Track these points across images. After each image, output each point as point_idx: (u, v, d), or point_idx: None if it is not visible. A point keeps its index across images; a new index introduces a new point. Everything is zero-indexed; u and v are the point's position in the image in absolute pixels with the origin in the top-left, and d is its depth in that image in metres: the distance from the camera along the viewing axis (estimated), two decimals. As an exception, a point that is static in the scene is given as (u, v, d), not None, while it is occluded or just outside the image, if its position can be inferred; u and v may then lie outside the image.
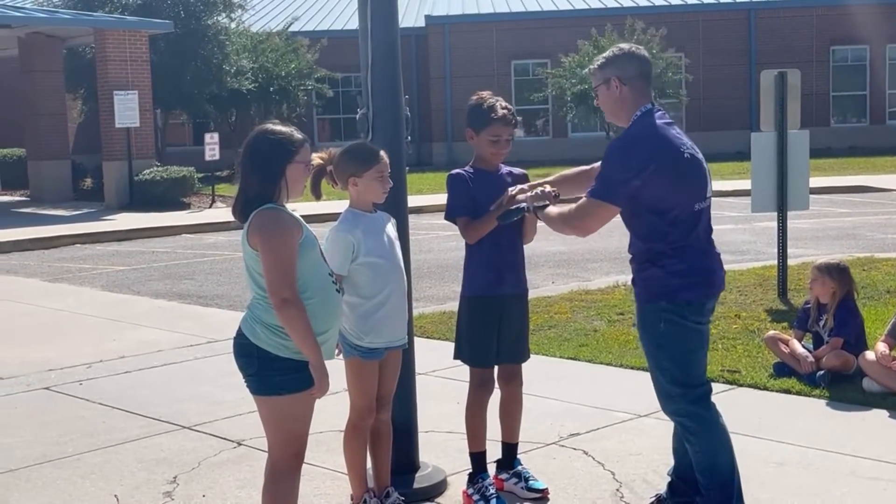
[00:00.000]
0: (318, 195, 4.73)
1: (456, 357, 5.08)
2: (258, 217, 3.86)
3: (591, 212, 4.36)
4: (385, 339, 4.64)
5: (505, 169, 5.03)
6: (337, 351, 4.31)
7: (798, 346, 7.04)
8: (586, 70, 5.12)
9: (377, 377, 4.67)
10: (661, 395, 4.46)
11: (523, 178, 5.02)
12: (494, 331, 4.92)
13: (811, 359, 6.89)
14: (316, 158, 4.59)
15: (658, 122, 4.36)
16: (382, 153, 4.67)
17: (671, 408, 4.44)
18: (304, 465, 5.45)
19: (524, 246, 5.06)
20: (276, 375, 3.88)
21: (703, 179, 4.40)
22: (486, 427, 5.04)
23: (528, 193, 4.74)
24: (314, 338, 3.84)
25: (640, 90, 4.43)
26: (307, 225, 3.99)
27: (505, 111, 4.90)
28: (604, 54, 4.55)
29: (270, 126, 4.02)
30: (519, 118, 5.08)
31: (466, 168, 5.02)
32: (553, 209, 4.53)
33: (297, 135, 4.00)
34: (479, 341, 4.93)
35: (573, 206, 4.41)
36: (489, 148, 4.91)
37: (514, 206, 4.72)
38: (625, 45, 4.57)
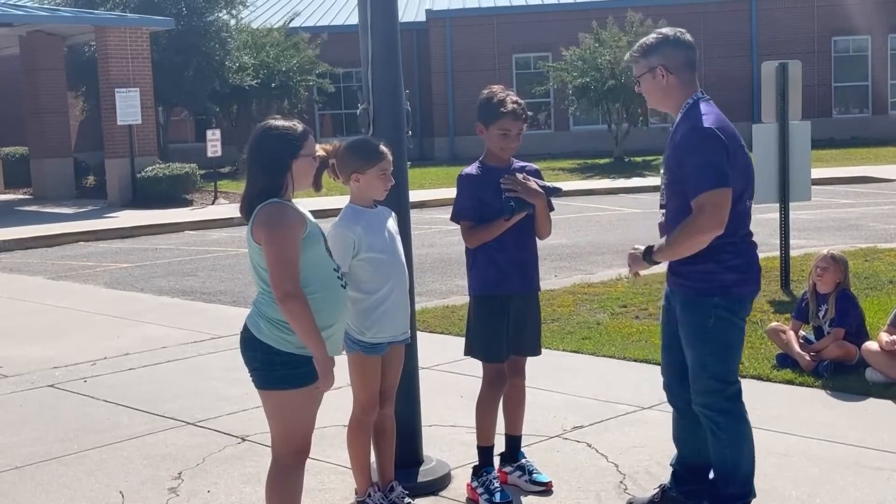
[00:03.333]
0: (318, 187, 4.72)
1: (467, 353, 5.09)
2: (262, 212, 3.88)
3: (718, 202, 4.09)
4: (387, 334, 4.65)
5: (517, 164, 5.00)
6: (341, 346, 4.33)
7: (796, 346, 7.03)
8: (627, 56, 5.03)
9: (380, 372, 4.68)
10: (699, 389, 4.35)
11: (536, 174, 5.01)
12: (504, 326, 4.93)
13: (808, 357, 6.90)
14: (320, 150, 4.60)
15: (717, 111, 4.28)
16: (387, 150, 4.66)
17: (706, 401, 4.34)
18: (308, 460, 5.48)
19: (539, 242, 5.01)
20: (278, 370, 3.90)
21: (753, 175, 4.40)
22: (496, 422, 5.05)
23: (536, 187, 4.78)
24: (318, 331, 3.85)
25: (686, 78, 4.34)
26: (313, 220, 4.01)
27: (515, 105, 4.89)
28: (646, 40, 4.40)
29: (273, 122, 4.03)
30: (530, 113, 5.05)
31: (476, 165, 5.00)
32: (667, 240, 4.25)
33: (300, 128, 4.01)
34: (490, 337, 4.93)
35: (689, 219, 4.14)
36: (498, 142, 4.90)
37: (515, 199, 4.74)
38: (668, 31, 4.40)
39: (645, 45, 4.38)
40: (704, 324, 4.28)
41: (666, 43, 4.33)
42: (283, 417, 3.99)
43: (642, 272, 4.54)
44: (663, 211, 4.44)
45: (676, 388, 4.58)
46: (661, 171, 4.52)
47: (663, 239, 4.30)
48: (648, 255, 4.33)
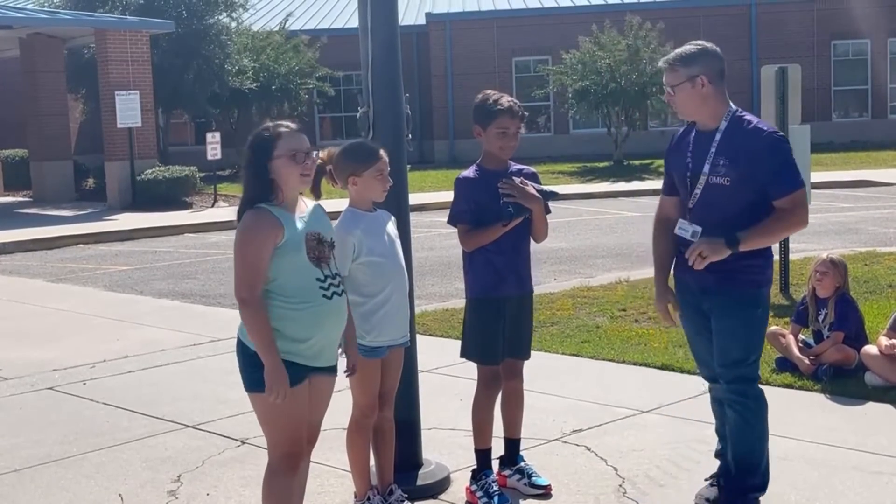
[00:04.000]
0: (317, 194, 4.73)
1: (463, 355, 5.10)
2: (242, 218, 3.91)
3: (803, 201, 4.47)
4: (387, 338, 4.66)
5: (515, 167, 4.99)
6: (340, 350, 4.33)
7: (795, 350, 7.04)
8: (660, 63, 5.11)
9: (379, 375, 4.68)
10: (739, 376, 4.54)
11: (533, 178, 5.01)
12: (500, 329, 4.93)
13: (808, 361, 6.90)
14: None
15: None
16: (382, 151, 4.67)
17: (747, 389, 4.54)
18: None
19: (535, 245, 5.04)
20: (257, 372, 3.91)
21: None
22: (493, 424, 5.05)
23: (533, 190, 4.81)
24: (270, 339, 3.83)
25: (721, 88, 4.52)
26: (302, 228, 3.95)
27: (511, 102, 4.89)
28: (683, 50, 4.54)
29: (260, 127, 4.05)
30: (526, 113, 5.06)
31: (473, 168, 4.99)
32: (758, 231, 4.43)
33: (274, 129, 3.96)
34: (485, 339, 4.94)
35: (784, 215, 4.43)
36: (497, 142, 4.88)
37: (513, 205, 4.76)
38: (704, 43, 4.57)
39: (685, 55, 4.50)
40: (755, 314, 4.54)
41: (706, 53, 4.50)
42: (266, 420, 4.02)
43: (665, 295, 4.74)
44: (687, 221, 4.58)
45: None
46: (687, 173, 4.56)
47: (747, 230, 4.40)
48: (734, 243, 4.38)
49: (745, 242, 4.39)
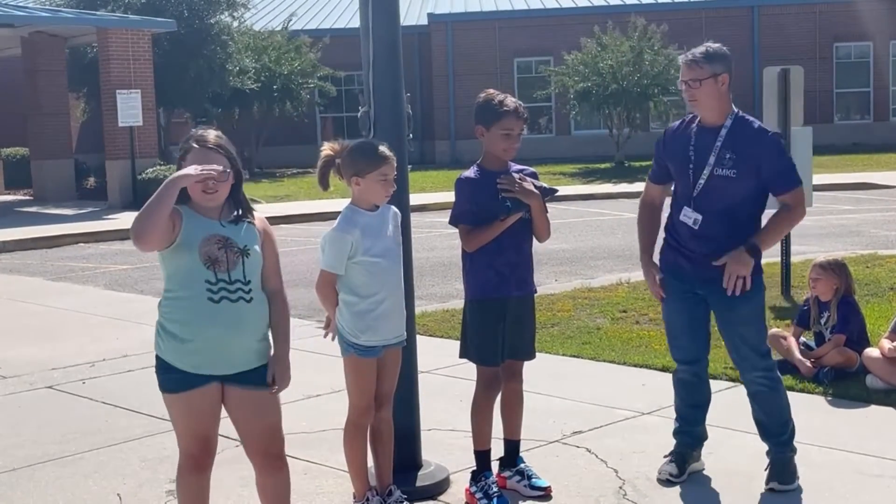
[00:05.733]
0: (325, 186, 4.72)
1: (462, 356, 5.08)
2: None
3: (803, 196, 4.91)
4: (381, 337, 4.63)
5: (514, 167, 4.98)
6: (331, 336, 4.55)
7: (796, 352, 7.02)
8: (683, 57, 5.30)
9: (375, 375, 4.66)
10: (760, 356, 4.96)
11: (533, 177, 5.00)
12: (500, 330, 4.92)
13: (809, 364, 6.88)
14: (327, 149, 4.69)
15: None
16: (391, 156, 4.59)
17: (768, 364, 5.00)
18: (305, 463, 5.47)
19: (536, 245, 5.03)
20: (156, 373, 4.07)
21: None
22: (492, 425, 5.03)
23: (531, 187, 4.82)
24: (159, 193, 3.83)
25: (729, 91, 4.87)
26: (206, 232, 3.94)
27: (516, 104, 4.89)
28: (708, 47, 4.83)
29: (190, 132, 4.11)
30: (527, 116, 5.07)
31: (474, 169, 4.98)
32: (768, 232, 4.90)
33: (189, 142, 3.98)
34: (485, 340, 4.92)
35: (788, 211, 4.86)
36: (501, 143, 4.87)
37: (511, 200, 4.76)
38: (719, 46, 4.88)
39: (710, 52, 4.81)
40: (759, 299, 4.96)
41: (727, 55, 4.85)
42: (172, 421, 4.13)
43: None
44: (692, 212, 4.90)
45: (704, 358, 5.19)
46: (690, 165, 4.90)
47: (757, 236, 4.84)
48: (755, 251, 4.80)
49: (763, 246, 4.84)
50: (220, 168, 3.86)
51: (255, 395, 4.02)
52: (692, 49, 4.90)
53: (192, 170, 3.80)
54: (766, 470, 5.04)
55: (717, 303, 4.95)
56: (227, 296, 3.91)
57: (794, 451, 5.04)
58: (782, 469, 4.98)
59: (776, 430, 5.04)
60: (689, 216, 4.89)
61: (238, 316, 3.93)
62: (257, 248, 4.00)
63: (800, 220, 5.02)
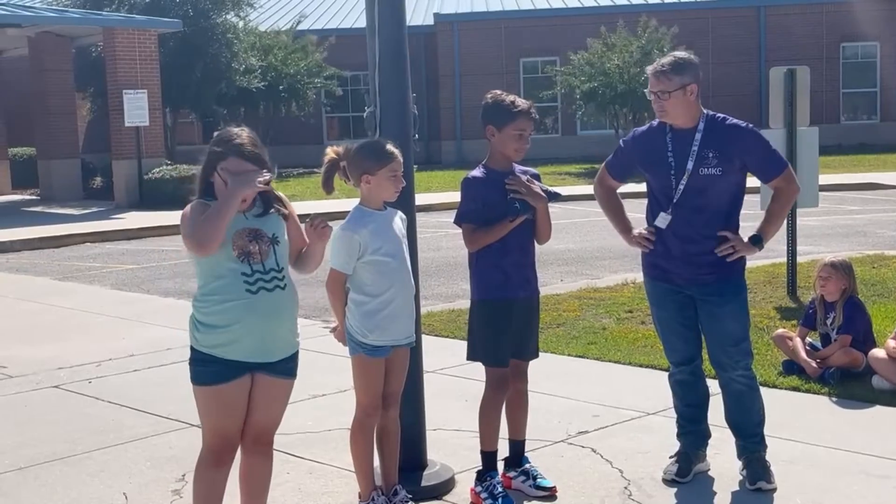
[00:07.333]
0: (329, 190, 4.75)
1: (470, 358, 5.08)
2: (188, 206, 4.10)
3: (792, 173, 5.07)
4: (390, 337, 4.64)
5: (518, 168, 4.99)
6: (333, 330, 4.58)
7: (802, 353, 7.01)
8: (650, 69, 5.38)
9: (383, 375, 4.67)
10: (743, 353, 5.04)
11: (536, 179, 5.01)
12: (507, 330, 4.92)
13: (815, 364, 6.88)
14: (330, 153, 4.71)
15: None
16: (397, 152, 4.65)
17: (748, 362, 5.07)
18: (311, 463, 5.48)
19: (538, 247, 5.05)
20: (190, 365, 4.11)
21: None
22: (500, 426, 5.04)
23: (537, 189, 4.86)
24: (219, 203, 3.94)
25: (698, 98, 4.94)
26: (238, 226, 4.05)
27: (528, 104, 4.91)
28: (676, 58, 4.91)
29: (225, 130, 4.20)
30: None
31: (480, 169, 4.99)
32: (769, 220, 5.03)
33: (230, 143, 4.06)
34: (493, 341, 4.92)
35: (783, 193, 5.00)
36: (513, 144, 4.88)
37: (520, 201, 4.77)
38: (688, 54, 4.99)
39: (678, 63, 4.86)
40: (744, 297, 5.06)
41: (693, 64, 4.90)
42: (200, 413, 4.16)
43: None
44: (667, 213, 4.96)
45: (698, 357, 5.21)
46: (671, 170, 4.93)
47: (760, 226, 4.98)
48: (759, 242, 4.94)
49: (766, 237, 4.97)
50: (269, 176, 4.04)
51: (280, 383, 4.20)
52: (660, 59, 5.00)
53: (251, 181, 3.96)
54: (742, 471, 5.08)
55: (703, 301, 5.00)
56: (264, 286, 4.06)
57: (766, 447, 5.11)
58: (763, 467, 5.01)
59: (752, 428, 5.10)
60: (665, 219, 4.96)
61: (276, 304, 4.09)
62: (285, 235, 4.17)
63: (797, 194, 5.11)
